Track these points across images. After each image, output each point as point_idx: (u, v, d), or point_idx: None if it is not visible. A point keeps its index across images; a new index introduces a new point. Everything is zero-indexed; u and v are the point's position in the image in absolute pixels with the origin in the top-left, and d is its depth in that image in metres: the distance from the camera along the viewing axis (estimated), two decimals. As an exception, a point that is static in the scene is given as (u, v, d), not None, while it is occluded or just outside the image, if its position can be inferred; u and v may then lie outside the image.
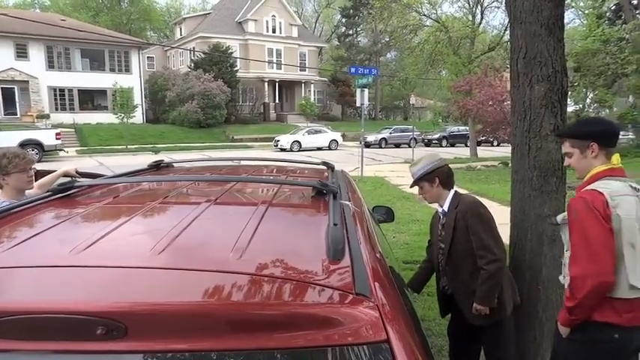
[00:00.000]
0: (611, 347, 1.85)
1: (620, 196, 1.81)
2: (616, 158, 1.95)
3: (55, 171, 2.99)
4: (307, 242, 1.25)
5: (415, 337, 0.95)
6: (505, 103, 16.38)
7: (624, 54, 15.70)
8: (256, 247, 1.12)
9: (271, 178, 2.27)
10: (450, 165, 2.71)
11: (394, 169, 16.78)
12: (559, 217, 2.08)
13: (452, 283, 2.65)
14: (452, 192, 2.60)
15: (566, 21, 2.40)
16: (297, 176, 2.36)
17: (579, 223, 1.82)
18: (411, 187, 2.70)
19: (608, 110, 18.39)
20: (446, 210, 2.59)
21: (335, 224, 1.19)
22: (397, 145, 29.74)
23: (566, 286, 1.95)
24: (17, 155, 2.46)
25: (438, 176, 2.56)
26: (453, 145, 30.35)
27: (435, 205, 2.75)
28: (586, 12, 21.91)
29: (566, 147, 2.04)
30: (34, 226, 1.33)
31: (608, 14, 20.50)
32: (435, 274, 2.83)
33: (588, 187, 1.88)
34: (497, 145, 27.84)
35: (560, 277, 2.08)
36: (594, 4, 20.81)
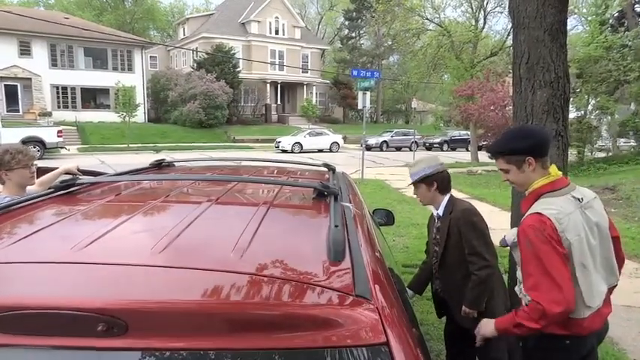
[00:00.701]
0: (564, 352, 1.86)
1: (566, 217, 1.77)
2: (553, 169, 1.90)
3: (56, 168, 2.99)
4: (308, 243, 1.25)
5: (414, 340, 0.95)
6: (507, 109, 16.40)
7: (626, 61, 15.69)
8: (257, 248, 1.12)
9: (272, 178, 2.27)
10: (449, 169, 2.72)
11: (395, 172, 16.77)
12: (509, 238, 2.01)
13: (444, 287, 2.68)
14: (447, 196, 2.61)
15: (568, 27, 2.40)
16: (298, 177, 2.36)
17: (535, 253, 1.75)
18: (409, 185, 2.70)
19: (610, 117, 18.37)
20: (440, 214, 2.61)
21: (336, 226, 1.19)
22: (398, 149, 29.76)
23: (524, 303, 1.91)
24: (20, 151, 2.51)
25: (437, 181, 2.56)
26: (454, 150, 30.36)
27: (431, 207, 2.77)
28: (589, 19, 21.93)
29: (500, 164, 1.96)
30: (36, 223, 1.33)
31: (610, 21, 20.51)
32: None
33: (533, 211, 1.82)
34: (499, 150, 27.76)
35: (517, 288, 2.06)
36: (597, 10, 20.82)
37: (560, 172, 1.93)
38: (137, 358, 0.82)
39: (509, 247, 2.10)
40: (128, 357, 0.82)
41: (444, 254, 2.58)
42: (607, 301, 1.97)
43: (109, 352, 0.81)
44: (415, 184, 2.62)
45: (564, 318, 1.76)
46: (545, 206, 1.80)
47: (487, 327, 1.98)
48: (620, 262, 2.04)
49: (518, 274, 1.98)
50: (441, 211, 2.61)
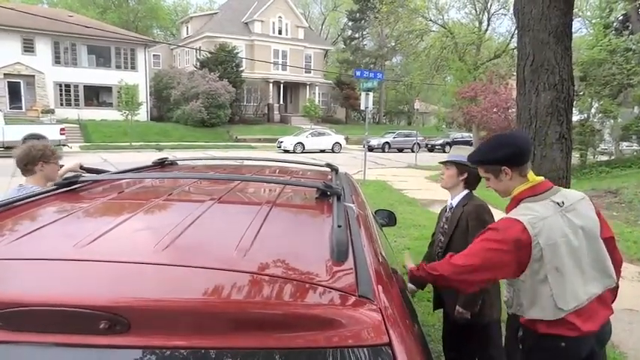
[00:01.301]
0: (561, 354, 1.86)
1: (540, 221, 1.79)
2: (531, 175, 1.93)
3: (62, 165, 3.02)
4: (311, 243, 1.25)
5: (417, 341, 0.94)
6: (510, 111, 16.39)
7: (630, 64, 15.65)
8: (260, 247, 1.12)
9: (275, 178, 2.27)
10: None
11: (397, 173, 16.76)
12: None
13: None
14: (467, 191, 2.64)
15: (572, 30, 2.39)
16: (300, 177, 2.36)
17: (483, 244, 1.85)
18: (440, 162, 2.77)
19: (612, 121, 18.34)
20: (454, 205, 2.64)
21: (339, 226, 1.18)
22: (400, 150, 29.73)
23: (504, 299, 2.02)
24: (51, 148, 2.79)
25: (469, 172, 2.59)
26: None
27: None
28: (593, 21, 21.89)
29: (481, 171, 2.04)
30: (38, 220, 1.33)
31: (615, 24, 20.46)
32: None
33: (511, 215, 1.87)
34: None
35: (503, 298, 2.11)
36: (601, 13, 20.78)
37: (540, 178, 1.96)
38: (139, 356, 0.82)
39: None
40: (130, 355, 0.82)
41: (449, 245, 2.60)
42: (604, 304, 1.96)
43: (111, 350, 0.81)
44: (449, 163, 2.65)
45: (443, 282, 1.93)
46: (521, 212, 1.85)
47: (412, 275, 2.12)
48: (617, 263, 2.04)
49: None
50: (455, 202, 2.64)
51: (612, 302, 2.03)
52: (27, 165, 2.66)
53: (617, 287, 2.04)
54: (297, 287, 0.95)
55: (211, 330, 0.83)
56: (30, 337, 0.82)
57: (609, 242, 2.00)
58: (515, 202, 1.92)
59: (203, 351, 0.82)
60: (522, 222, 1.79)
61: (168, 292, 0.91)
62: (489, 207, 2.66)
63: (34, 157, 2.65)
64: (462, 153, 2.64)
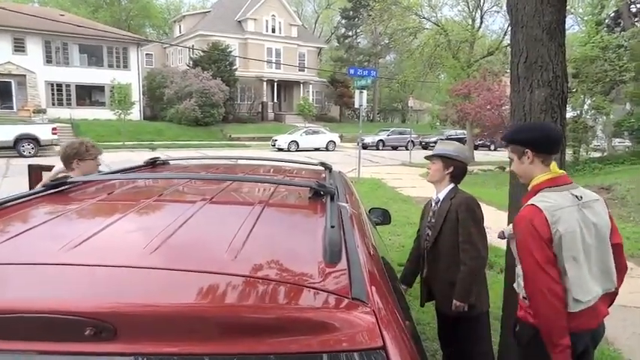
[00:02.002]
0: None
1: (559, 210, 1.81)
2: (553, 166, 1.94)
3: (50, 166, 2.99)
4: (303, 244, 1.23)
5: (411, 343, 0.92)
6: (503, 108, 16.43)
7: (622, 61, 15.75)
8: (251, 249, 1.10)
9: (268, 177, 2.24)
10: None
11: (391, 171, 16.79)
12: (507, 231, 2.08)
13: (430, 273, 2.72)
14: (452, 185, 2.66)
15: (565, 27, 2.38)
16: (294, 176, 2.33)
17: (523, 245, 1.85)
18: (426, 157, 2.79)
19: (605, 117, 18.45)
20: (440, 198, 2.66)
21: (332, 226, 1.16)
22: (394, 148, 29.78)
23: (521, 296, 1.97)
24: (93, 145, 2.91)
25: (455, 166, 2.63)
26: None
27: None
28: (585, 18, 22.00)
29: (508, 152, 2.08)
30: (24, 222, 1.30)
31: (607, 21, 20.59)
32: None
33: (529, 202, 1.88)
34: (495, 150, 27.92)
35: (515, 285, 2.10)
36: (593, 10, 20.90)
37: (562, 171, 1.97)
38: None
39: (507, 242, 2.12)
40: None
41: (437, 238, 2.62)
42: (604, 303, 1.97)
43: (97, 358, 0.79)
44: (436, 157, 2.67)
45: (558, 299, 1.78)
46: (540, 199, 1.86)
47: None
48: (622, 270, 2.05)
49: (518, 269, 1.99)
50: (442, 196, 2.65)
51: (610, 305, 2.04)
52: (65, 162, 2.87)
53: (616, 293, 2.04)
54: (289, 290, 0.93)
55: (201, 335, 0.81)
56: (13, 345, 0.79)
57: (617, 248, 2.01)
58: (534, 192, 1.93)
59: (193, 357, 0.80)
60: (542, 209, 1.80)
61: (156, 296, 0.88)
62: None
63: (68, 156, 2.83)
64: (448, 147, 2.68)
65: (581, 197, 1.89)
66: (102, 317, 0.79)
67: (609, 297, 2.01)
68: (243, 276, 0.96)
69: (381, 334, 0.84)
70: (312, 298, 0.91)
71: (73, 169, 2.83)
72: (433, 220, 2.66)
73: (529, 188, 1.98)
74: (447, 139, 30.47)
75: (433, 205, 2.71)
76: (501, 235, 2.12)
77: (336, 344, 0.81)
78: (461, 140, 28.74)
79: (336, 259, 1.04)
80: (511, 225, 2.05)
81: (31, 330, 0.79)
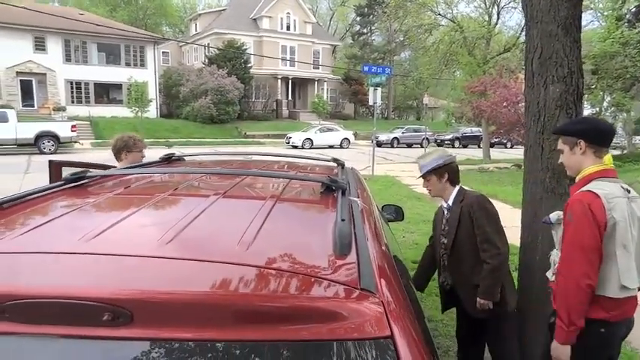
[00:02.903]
0: (597, 340, 1.90)
1: (615, 199, 1.84)
2: (608, 159, 1.98)
3: (74, 162, 3.13)
4: (314, 237, 1.25)
5: (420, 334, 0.94)
6: (520, 105, 16.18)
7: (644, 57, 15.42)
8: (263, 240, 1.12)
9: (281, 173, 2.27)
10: (460, 166, 2.74)
11: (405, 168, 16.69)
12: (553, 217, 2.11)
13: (453, 277, 2.68)
14: (457, 187, 2.63)
15: (584, 23, 2.37)
16: (306, 172, 2.36)
17: (575, 226, 1.85)
18: (419, 178, 2.73)
19: (625, 114, 18.07)
20: (450, 204, 2.62)
21: (342, 220, 1.18)
22: (409, 145, 29.60)
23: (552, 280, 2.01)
24: (140, 140, 3.18)
25: (448, 171, 2.60)
26: (465, 147, 30.11)
27: (439, 201, 2.78)
28: (605, 14, 21.54)
29: (559, 144, 2.10)
30: (45, 214, 1.35)
31: (627, 16, 20.11)
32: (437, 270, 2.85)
33: (584, 189, 1.90)
34: (511, 147, 27.56)
35: (549, 273, 2.11)
36: (614, 5, 20.43)
37: (612, 165, 2.01)
38: (142, 347, 0.83)
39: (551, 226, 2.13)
40: (133, 346, 0.83)
41: (454, 244, 2.57)
42: (636, 297, 1.99)
43: (114, 342, 0.82)
44: (427, 175, 2.63)
45: (588, 291, 1.81)
46: (595, 186, 1.88)
47: (560, 351, 1.92)
48: None
49: (552, 257, 2.03)
50: (450, 201, 2.62)
51: None
52: (115, 154, 3.15)
53: None
54: (299, 280, 0.95)
55: (214, 322, 0.84)
56: (34, 329, 0.83)
57: None
58: (585, 181, 1.95)
59: (205, 343, 0.83)
60: (600, 196, 1.83)
61: (171, 284, 0.92)
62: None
63: (119, 148, 3.12)
64: (429, 159, 2.63)
65: (630, 191, 1.95)
66: (119, 303, 0.82)
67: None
68: (255, 266, 0.98)
69: (389, 324, 0.86)
70: (322, 289, 0.93)
71: (122, 159, 3.12)
72: (447, 228, 2.63)
73: (577, 179, 2.01)
74: (463, 136, 30.34)
75: (445, 212, 2.67)
76: (547, 220, 2.14)
77: (345, 333, 0.84)
78: (476, 138, 28.54)
79: (345, 251, 1.06)
80: (557, 212, 2.07)
81: (52, 315, 0.83)
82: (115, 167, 2.71)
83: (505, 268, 2.53)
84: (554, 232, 2.13)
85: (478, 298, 2.49)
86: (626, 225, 1.84)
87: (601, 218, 1.81)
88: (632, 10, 20.15)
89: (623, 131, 19.19)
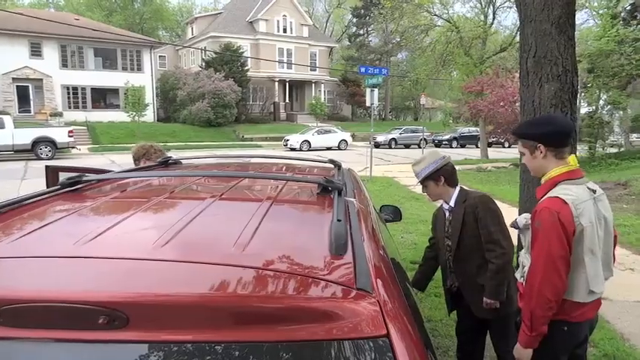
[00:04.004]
0: (560, 337, 1.91)
1: (582, 203, 1.82)
2: (572, 159, 1.93)
3: (71, 167, 3.15)
4: (310, 237, 1.25)
5: (416, 333, 0.94)
6: (516, 104, 16.23)
7: (639, 55, 15.48)
8: (259, 242, 1.12)
9: (277, 174, 2.27)
10: (455, 164, 2.72)
11: (403, 169, 16.70)
12: (521, 221, 2.07)
13: (459, 278, 2.65)
14: (457, 188, 2.61)
15: (579, 21, 2.38)
16: (303, 173, 2.36)
17: (543, 235, 1.81)
18: (416, 185, 2.71)
19: (622, 112, 18.12)
20: (452, 205, 2.59)
21: (338, 220, 1.18)
22: (407, 146, 29.64)
23: (523, 286, 1.98)
24: (160, 148, 3.34)
25: (443, 175, 2.56)
26: (463, 146, 30.16)
27: (437, 201, 2.76)
28: (600, 12, 21.63)
29: (519, 146, 2.05)
30: (41, 219, 1.34)
31: (622, 14, 20.18)
32: (438, 271, 2.84)
33: (552, 194, 1.87)
34: (509, 147, 27.61)
35: (517, 274, 2.11)
36: (608, 4, 20.51)
37: (577, 165, 1.98)
38: (138, 350, 0.82)
39: (518, 230, 2.13)
40: (129, 350, 0.82)
41: (459, 245, 2.55)
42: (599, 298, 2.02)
43: (110, 345, 0.82)
44: (423, 182, 2.61)
45: (555, 304, 1.81)
46: (562, 192, 1.85)
47: (522, 353, 1.94)
48: (614, 259, 2.10)
49: (522, 258, 2.01)
50: (452, 203, 2.59)
51: None
52: (135, 160, 3.31)
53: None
54: (295, 281, 0.95)
55: (210, 324, 0.84)
56: (30, 333, 0.82)
57: (615, 240, 2.07)
58: (551, 183, 1.92)
59: (202, 345, 0.83)
60: (568, 202, 1.80)
61: (167, 286, 0.91)
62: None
63: (139, 155, 3.28)
64: (423, 165, 2.59)
65: (595, 191, 1.92)
66: (115, 306, 0.82)
67: None
68: (251, 268, 0.98)
69: (385, 323, 0.86)
70: (318, 289, 0.93)
71: (138, 164, 3.25)
72: (451, 229, 2.60)
73: (543, 180, 1.97)
74: (460, 136, 30.37)
75: (447, 214, 2.64)
76: (514, 225, 2.12)
77: (342, 332, 0.83)
78: (474, 138, 28.57)
79: (341, 251, 1.06)
80: (524, 215, 2.05)
81: (48, 319, 0.83)
82: (112, 171, 2.71)
83: (510, 268, 2.51)
84: (522, 237, 2.10)
85: (485, 299, 2.48)
86: (593, 230, 1.83)
87: (570, 227, 1.78)
88: (627, 9, 20.24)
89: (620, 129, 19.25)
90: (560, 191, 1.85)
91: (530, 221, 1.95)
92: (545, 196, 1.89)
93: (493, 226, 2.45)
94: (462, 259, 2.58)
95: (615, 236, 2.07)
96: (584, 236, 1.81)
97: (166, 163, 2.47)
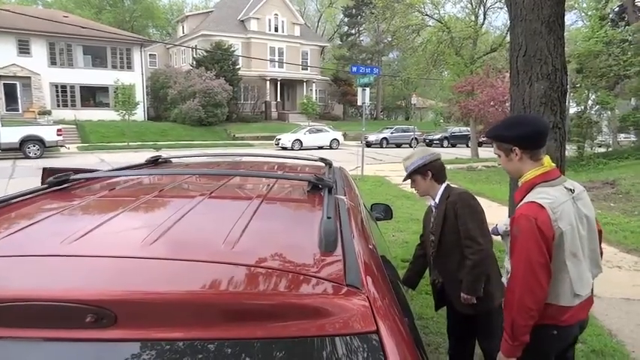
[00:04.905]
0: (549, 341, 1.89)
1: (559, 206, 1.79)
2: (547, 161, 1.91)
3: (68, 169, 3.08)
4: (300, 235, 1.25)
5: (406, 329, 0.94)
6: (507, 104, 16.36)
7: (627, 55, 15.67)
8: (249, 239, 1.12)
9: (267, 173, 2.26)
10: (446, 163, 2.74)
11: (395, 168, 16.75)
12: (501, 227, 2.07)
13: (441, 274, 2.70)
14: (443, 185, 2.64)
15: (569, 22, 2.42)
16: (293, 172, 2.35)
17: (522, 243, 1.79)
18: (404, 180, 2.73)
19: (610, 112, 18.35)
20: (437, 202, 2.63)
21: (328, 217, 1.18)
22: (398, 145, 29.75)
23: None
24: None
25: (431, 170, 2.60)
26: (454, 146, 30.35)
27: (429, 200, 2.79)
28: (589, 13, 21.87)
29: (494, 149, 2.02)
30: (28, 217, 1.33)
31: (611, 16, 20.46)
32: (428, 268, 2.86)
33: (528, 199, 1.84)
34: (499, 146, 27.74)
35: (504, 279, 2.10)
36: (597, 5, 20.77)
37: (553, 164, 1.94)
38: (127, 348, 0.81)
39: (500, 237, 2.12)
40: (118, 348, 0.81)
41: (441, 241, 2.60)
42: (591, 295, 2.01)
43: (99, 343, 0.81)
44: (411, 176, 2.64)
45: (536, 312, 1.78)
46: (540, 195, 1.82)
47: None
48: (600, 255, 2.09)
49: (507, 264, 2.00)
50: (437, 199, 2.63)
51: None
52: None
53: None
54: (285, 278, 0.95)
55: (199, 322, 0.83)
56: (17, 332, 0.81)
57: (599, 235, 2.04)
58: (528, 186, 1.89)
59: (192, 342, 0.82)
60: (544, 206, 1.77)
61: (155, 284, 0.91)
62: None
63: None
64: (413, 159, 2.62)
65: (573, 190, 1.89)
66: (102, 305, 0.81)
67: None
68: (241, 265, 0.98)
69: (374, 319, 0.86)
70: (308, 286, 0.93)
71: None
72: (434, 225, 2.65)
73: (520, 183, 1.95)
74: (451, 136, 30.55)
75: (434, 211, 2.69)
76: (495, 232, 2.12)
77: (331, 328, 0.83)
78: (465, 137, 28.75)
79: (331, 248, 1.06)
80: (504, 220, 2.05)
81: (35, 318, 0.82)
82: (100, 170, 2.67)
83: (489, 264, 2.54)
84: (504, 242, 2.09)
85: (462, 294, 2.53)
86: (574, 232, 1.80)
87: (548, 232, 1.75)
88: (615, 10, 20.49)
89: (608, 129, 19.48)
90: (537, 195, 1.82)
91: (509, 227, 1.92)
92: (523, 201, 1.87)
93: (471, 223, 2.49)
94: (443, 255, 2.63)
95: (600, 231, 2.04)
96: (565, 240, 1.78)
97: (156, 162, 2.45)
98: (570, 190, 1.88)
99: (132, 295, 0.85)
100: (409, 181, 2.72)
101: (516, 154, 1.89)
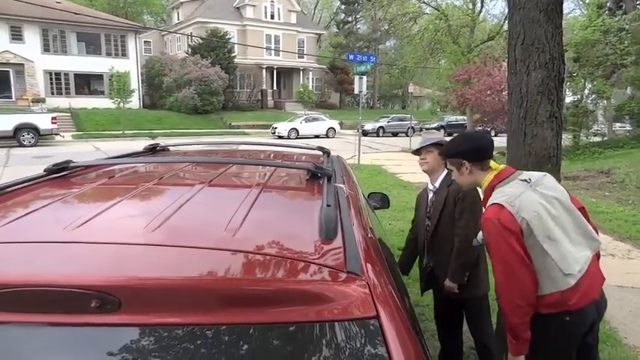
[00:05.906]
0: (564, 329, 1.90)
1: (516, 199, 1.85)
2: (494, 164, 2.04)
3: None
4: (300, 222, 1.26)
5: (405, 314, 0.96)
6: (503, 93, 16.36)
7: (624, 45, 15.66)
8: (250, 227, 1.13)
9: (267, 161, 2.27)
10: None
11: (391, 157, 16.78)
12: (479, 238, 2.13)
13: (434, 258, 2.74)
14: (446, 171, 2.66)
15: (566, 11, 2.41)
16: (292, 160, 2.36)
17: (493, 246, 1.87)
18: (418, 148, 2.72)
19: (606, 101, 18.37)
20: (437, 186, 2.66)
21: (328, 205, 1.19)
22: (395, 134, 29.71)
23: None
24: None
25: None
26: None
27: (425, 180, 2.81)
28: (587, 2, 21.78)
29: (448, 164, 2.20)
30: (29, 205, 1.33)
31: (608, 4, 20.36)
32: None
33: (489, 203, 1.92)
34: (495, 135, 27.73)
35: None
36: (595, -7, 20.65)
37: (502, 165, 2.07)
38: (131, 333, 0.83)
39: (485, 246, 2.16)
40: (122, 333, 0.83)
41: (437, 226, 2.64)
42: (597, 270, 2.01)
43: (102, 328, 0.82)
44: (430, 147, 2.66)
45: (527, 307, 1.82)
46: (497, 196, 1.92)
47: None
48: (594, 229, 2.10)
49: None
50: (437, 184, 2.67)
51: (598, 263, 2.08)
52: None
53: (598, 255, 2.09)
54: (286, 264, 0.96)
55: (202, 307, 0.84)
56: (21, 318, 0.82)
57: (582, 212, 2.06)
58: (489, 190, 2.01)
59: (195, 328, 0.83)
60: (502, 204, 1.84)
61: (158, 270, 0.92)
62: None
63: None
64: (437, 135, 2.71)
65: (530, 179, 1.96)
66: (106, 290, 0.82)
67: (596, 257, 2.05)
68: (242, 252, 0.99)
69: (374, 305, 0.87)
70: (309, 272, 0.94)
71: None
72: (432, 210, 2.68)
73: (482, 192, 2.08)
74: (448, 125, 30.54)
75: (430, 195, 2.71)
76: (476, 243, 2.20)
77: (332, 314, 0.85)
78: (461, 126, 28.73)
79: (331, 235, 1.07)
80: (480, 233, 2.09)
81: (40, 303, 0.83)
82: (99, 158, 2.67)
83: (474, 255, 2.58)
84: (486, 251, 2.17)
85: (446, 280, 2.59)
86: (540, 217, 1.83)
87: (514, 228, 1.80)
88: (613, -2, 20.40)
89: (604, 118, 19.53)
90: (494, 196, 1.92)
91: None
92: (485, 208, 1.96)
93: (466, 213, 2.54)
94: (438, 240, 2.67)
95: (582, 208, 2.08)
96: (533, 227, 1.81)
97: (154, 150, 2.45)
98: (526, 180, 1.95)
99: (136, 281, 0.86)
100: (407, 167, 2.74)
101: (466, 168, 2.06)
